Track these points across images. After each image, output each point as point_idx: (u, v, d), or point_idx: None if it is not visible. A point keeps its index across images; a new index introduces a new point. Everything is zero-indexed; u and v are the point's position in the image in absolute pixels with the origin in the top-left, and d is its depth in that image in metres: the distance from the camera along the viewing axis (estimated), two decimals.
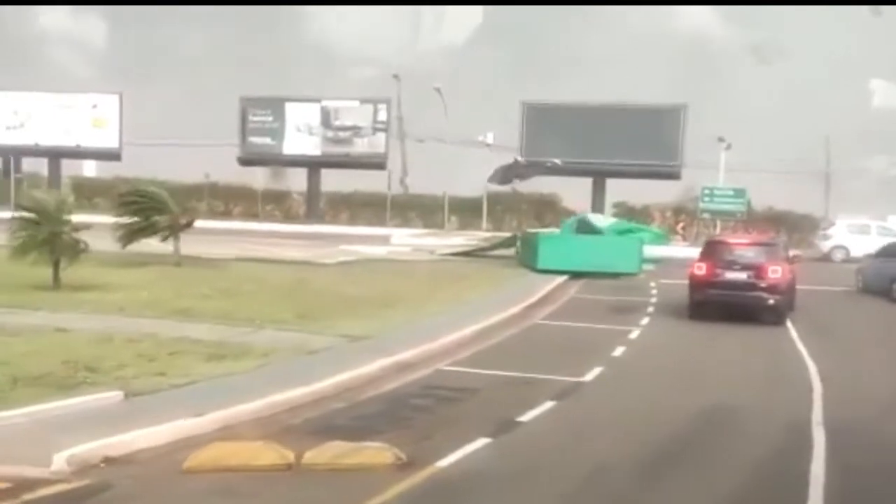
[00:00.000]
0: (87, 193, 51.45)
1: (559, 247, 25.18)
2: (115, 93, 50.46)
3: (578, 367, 11.46)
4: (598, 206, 45.12)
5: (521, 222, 45.13)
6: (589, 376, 11.06)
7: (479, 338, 13.61)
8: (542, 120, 45.20)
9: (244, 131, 48.81)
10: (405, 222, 47.50)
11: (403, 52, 62.18)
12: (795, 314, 18.13)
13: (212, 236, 32.99)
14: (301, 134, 48.80)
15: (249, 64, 56.60)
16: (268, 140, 49.07)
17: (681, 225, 41.27)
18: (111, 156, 50.11)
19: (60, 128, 49.68)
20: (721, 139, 41.29)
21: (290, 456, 7.04)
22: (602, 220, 28.13)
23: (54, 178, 50.71)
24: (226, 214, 49.29)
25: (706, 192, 39.54)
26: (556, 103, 45.59)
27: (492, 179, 45.59)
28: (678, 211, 44.77)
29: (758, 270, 16.58)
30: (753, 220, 42.30)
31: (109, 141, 49.75)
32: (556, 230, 30.89)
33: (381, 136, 48.35)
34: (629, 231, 27.66)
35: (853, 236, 33.84)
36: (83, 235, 16.73)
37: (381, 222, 46.37)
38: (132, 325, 12.35)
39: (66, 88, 51.48)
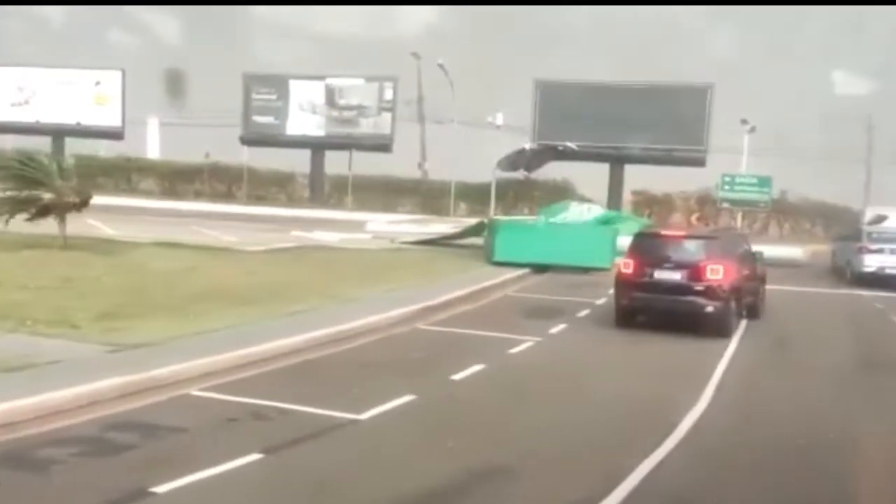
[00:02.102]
0: (93, 173, 50.24)
1: (519, 236, 22.13)
2: (118, 69, 48.81)
3: (382, 394, 8.58)
4: (615, 194, 41.85)
5: (533, 211, 41.95)
6: (373, 411, 8.14)
7: (306, 349, 10.81)
8: (556, 100, 41.84)
9: (247, 110, 46.68)
10: (414, 208, 44.82)
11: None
12: (757, 324, 14.95)
13: (161, 217, 31.13)
14: (304, 113, 46.45)
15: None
16: (271, 119, 46.84)
17: (695, 216, 37.50)
18: (113, 134, 48.46)
19: (64, 105, 48.21)
20: (744, 121, 37.35)
21: None
22: (586, 213, 24.73)
23: (57, 155, 49.43)
24: (228, 196, 47.17)
25: (726, 179, 35.76)
26: (572, 81, 42.22)
27: (501, 165, 42.53)
28: (703, 200, 41.06)
29: (693, 270, 13.31)
30: (782, 210, 38.52)
31: (112, 119, 48.12)
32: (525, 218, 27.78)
33: (387, 116, 45.66)
34: (608, 221, 24.35)
35: None
36: None
37: (387, 207, 43.64)
38: None
39: (68, 64, 49.90)
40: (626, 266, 13.82)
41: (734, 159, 38.53)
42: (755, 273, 15.26)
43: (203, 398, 8.43)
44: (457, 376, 9.84)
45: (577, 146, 40.62)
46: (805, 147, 38.60)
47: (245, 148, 46.64)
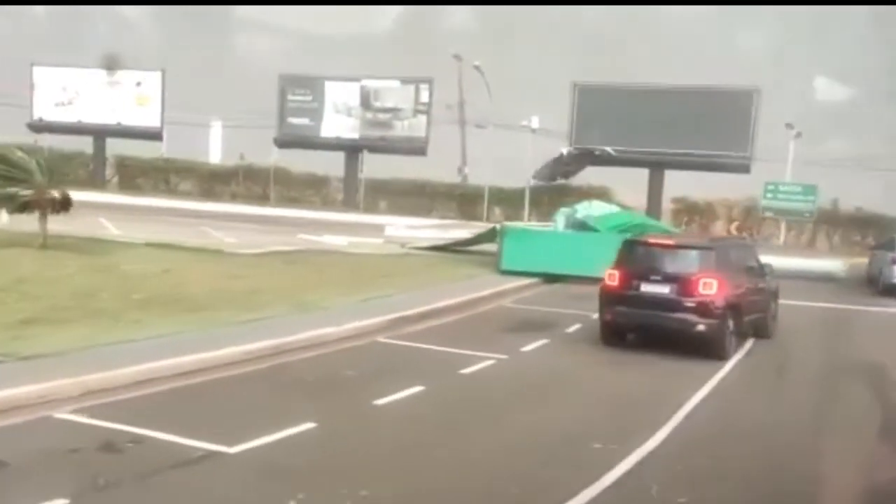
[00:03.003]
0: (132, 174, 50.32)
1: (528, 244, 20.77)
2: (158, 70, 48.80)
3: (276, 422, 7.46)
4: (654, 201, 40.16)
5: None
6: (250, 444, 7.00)
7: (230, 363, 9.75)
8: (594, 103, 40.34)
9: (282, 111, 46.16)
10: (449, 213, 43.68)
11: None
12: (765, 344, 13.46)
13: (180, 218, 30.53)
14: (339, 115, 45.76)
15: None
16: (306, 121, 46.25)
17: (734, 225, 35.53)
18: (152, 135, 48.36)
19: (105, 105, 48.36)
20: (789, 125, 35.29)
21: None
22: (596, 209, 23.03)
23: (99, 156, 49.69)
24: (262, 199, 46.61)
25: (769, 188, 33.80)
26: (611, 84, 40.72)
27: (537, 176, 41.21)
28: (748, 209, 39.05)
29: (684, 283, 11.86)
30: (831, 221, 36.34)
31: (151, 119, 48.11)
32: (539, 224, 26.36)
33: (423, 118, 44.63)
34: (625, 226, 22.64)
35: None
36: None
37: (421, 212, 42.53)
38: None
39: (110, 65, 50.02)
40: (611, 277, 12.44)
41: (783, 168, 36.46)
42: (762, 287, 13.71)
43: (65, 422, 7.40)
44: (381, 401, 8.66)
45: (615, 151, 39.07)
46: (860, 156, 36.26)
47: (276, 150, 46.07)
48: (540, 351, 12.14)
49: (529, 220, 39.52)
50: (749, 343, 13.44)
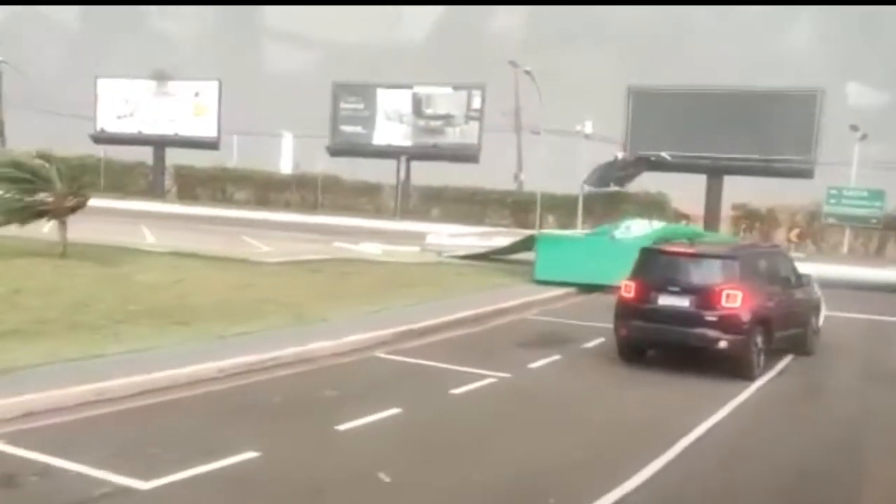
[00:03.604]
0: (190, 183, 50.71)
1: (562, 252, 19.77)
2: (215, 79, 49.15)
3: (216, 450, 6.78)
4: (713, 208, 38.58)
5: None
6: (171, 477, 6.30)
7: (196, 382, 9.13)
8: (650, 107, 38.98)
9: (335, 119, 45.93)
10: (502, 220, 42.77)
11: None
12: (803, 362, 12.30)
13: (224, 227, 30.32)
14: (391, 123, 45.31)
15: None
16: (358, 129, 45.93)
17: (795, 232, 33.68)
18: (209, 144, 48.60)
19: (164, 116, 48.90)
20: (854, 127, 33.38)
21: None
22: (637, 229, 21.79)
23: (158, 166, 50.21)
24: (315, 208, 46.39)
25: (832, 193, 31.99)
26: (667, 88, 39.36)
27: (589, 181, 39.99)
28: (813, 216, 37.11)
29: (705, 295, 10.80)
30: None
31: (208, 129, 48.41)
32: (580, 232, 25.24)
33: (475, 125, 43.83)
34: (675, 237, 21.40)
35: None
36: None
37: (474, 220, 41.70)
38: None
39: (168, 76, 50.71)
40: (627, 289, 11.45)
41: (848, 172, 34.55)
42: (800, 299, 12.51)
43: None
44: (345, 426, 7.89)
45: (672, 156, 37.67)
46: None
47: (326, 158, 45.99)
48: (548, 368, 11.22)
49: (583, 227, 38.37)
50: (785, 361, 12.28)
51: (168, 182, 51.27)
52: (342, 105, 46.07)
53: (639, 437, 8.19)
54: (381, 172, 46.72)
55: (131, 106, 50.51)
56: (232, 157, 52.26)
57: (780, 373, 11.65)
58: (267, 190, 49.22)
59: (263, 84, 56.88)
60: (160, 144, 49.13)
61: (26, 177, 17.44)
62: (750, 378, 10.77)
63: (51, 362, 9.02)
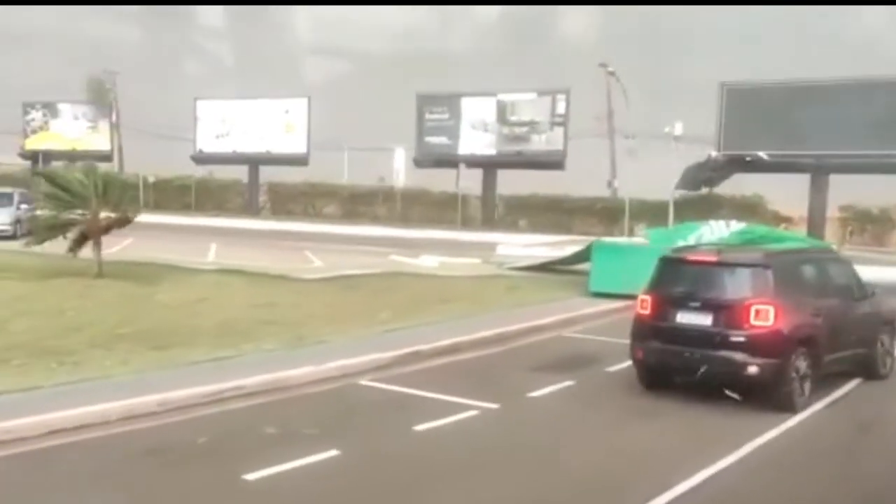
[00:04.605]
0: (282, 199, 51.06)
1: (619, 261, 18.12)
2: (304, 97, 49.43)
3: None
4: (817, 209, 35.76)
5: None
6: None
7: (124, 418, 8.21)
8: (745, 105, 36.48)
9: (420, 130, 45.29)
10: (589, 228, 40.99)
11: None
12: (873, 388, 10.47)
13: (298, 242, 29.89)
14: (476, 131, 44.33)
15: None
16: (444, 139, 45.18)
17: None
18: (299, 161, 48.86)
19: (257, 134, 49.46)
20: None
21: None
22: (717, 231, 19.76)
23: (252, 184, 50.74)
24: (403, 220, 45.76)
25: None
26: (763, 83, 36.82)
27: (680, 185, 37.87)
28: None
29: (730, 312, 9.16)
30: None
31: (297, 146, 48.71)
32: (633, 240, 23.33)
33: (560, 131, 42.34)
34: (754, 241, 19.30)
35: None
36: None
37: (562, 228, 40.08)
38: None
39: (257, 94, 51.48)
40: (644, 305, 9.90)
41: None
42: (863, 314, 10.61)
43: None
44: (256, 474, 6.75)
45: (769, 156, 35.10)
46: None
47: (407, 170, 45.41)
48: (550, 397, 9.80)
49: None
50: (847, 386, 10.47)
51: (262, 199, 51.78)
52: (427, 116, 45.40)
53: (619, 491, 6.72)
54: (467, 182, 45.72)
55: (227, 125, 51.34)
56: (343, 173, 52.41)
57: (834, 402, 9.84)
58: (354, 203, 49.01)
59: (351, 98, 56.76)
60: (254, 162, 49.66)
61: (57, 192, 17.18)
62: (791, 409, 9.06)
63: None
